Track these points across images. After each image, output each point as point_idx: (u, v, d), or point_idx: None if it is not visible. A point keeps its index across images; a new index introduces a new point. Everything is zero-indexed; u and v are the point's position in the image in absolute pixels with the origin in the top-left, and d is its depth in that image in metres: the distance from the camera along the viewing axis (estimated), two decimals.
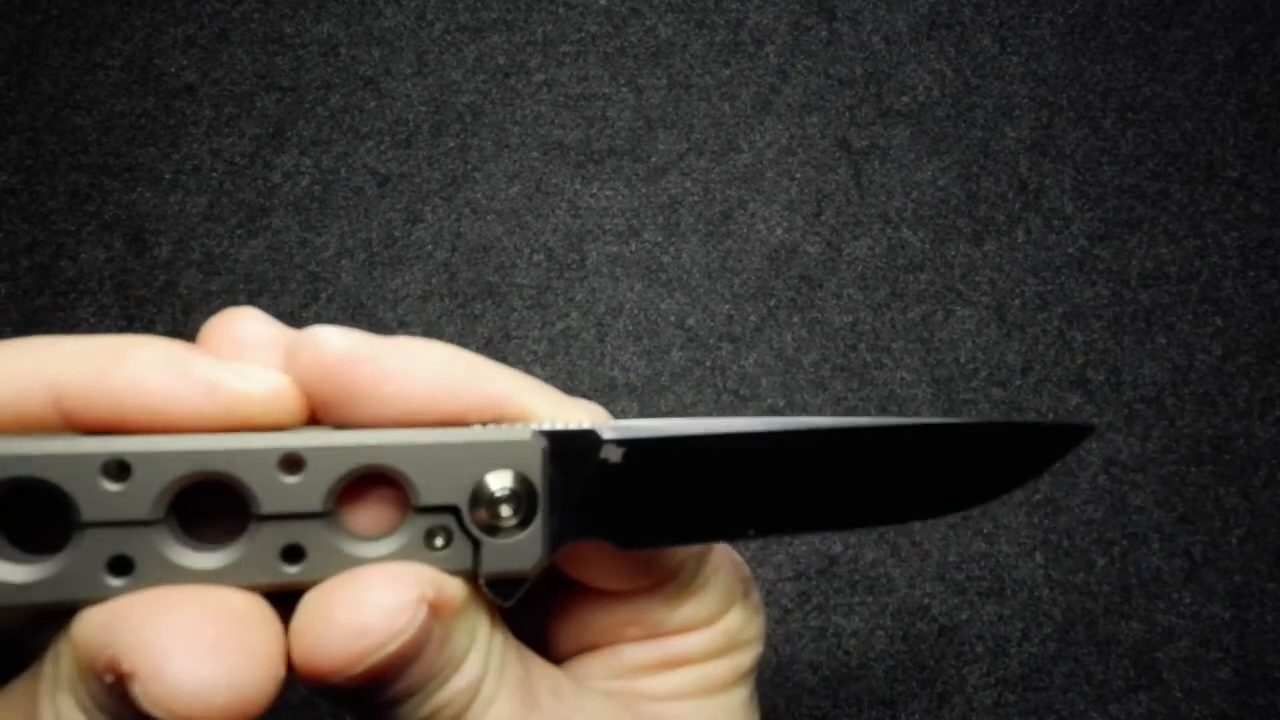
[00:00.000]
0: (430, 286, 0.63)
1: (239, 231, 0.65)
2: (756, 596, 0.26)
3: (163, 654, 0.18)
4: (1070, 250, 0.65)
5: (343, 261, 0.64)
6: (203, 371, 0.19)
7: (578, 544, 0.22)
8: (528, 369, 0.61)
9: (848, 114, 0.68)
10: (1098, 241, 0.65)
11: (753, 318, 0.63)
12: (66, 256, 0.64)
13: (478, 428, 0.20)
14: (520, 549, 0.20)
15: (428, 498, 0.20)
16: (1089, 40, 0.71)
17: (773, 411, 0.61)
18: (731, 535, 0.23)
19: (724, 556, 0.25)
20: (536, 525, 0.20)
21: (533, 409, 0.21)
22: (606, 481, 0.21)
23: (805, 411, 0.61)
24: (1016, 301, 0.64)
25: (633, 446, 0.21)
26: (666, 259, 0.64)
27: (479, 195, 0.66)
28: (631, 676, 0.24)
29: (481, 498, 0.20)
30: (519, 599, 0.21)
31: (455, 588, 0.20)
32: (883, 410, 0.61)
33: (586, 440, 0.21)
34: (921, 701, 0.56)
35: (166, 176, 0.66)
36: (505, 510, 0.20)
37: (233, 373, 0.20)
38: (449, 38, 0.70)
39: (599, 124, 0.68)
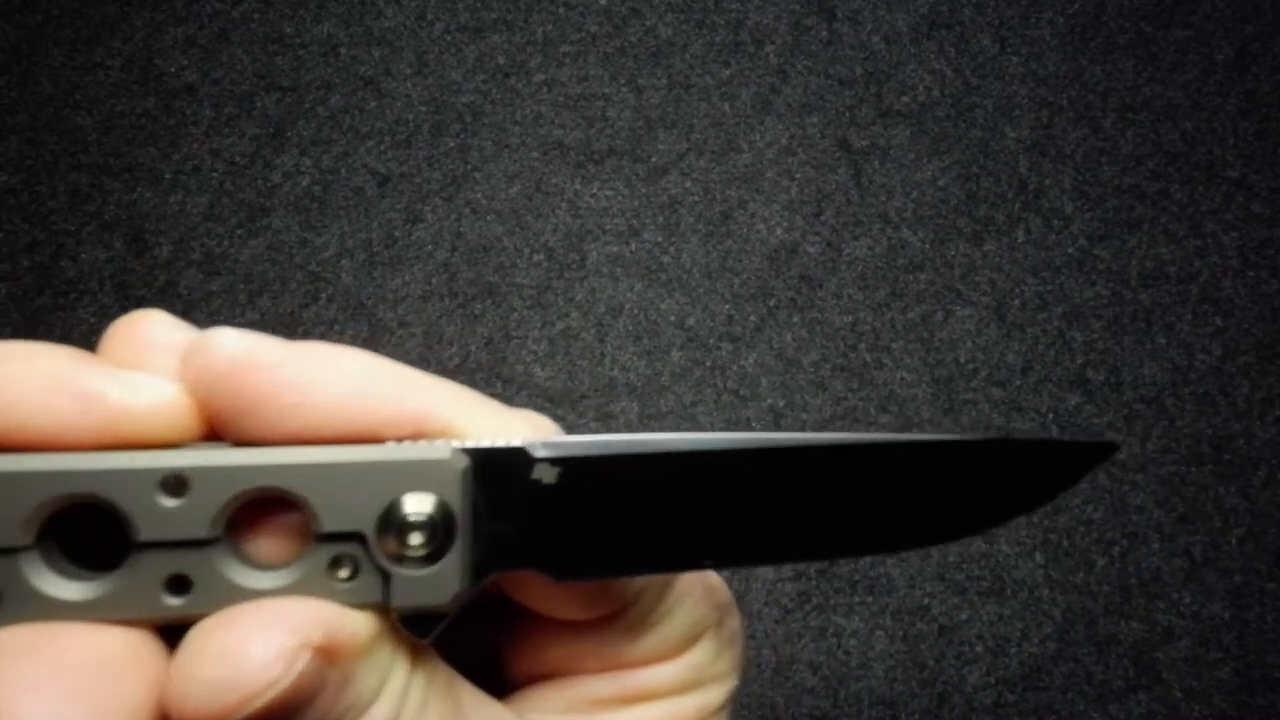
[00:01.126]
0: (430, 286, 0.63)
1: (239, 231, 0.65)
2: (734, 624, 0.24)
3: (6, 710, 0.15)
4: (1070, 250, 0.65)
5: (343, 261, 0.64)
6: (85, 383, 0.17)
7: (510, 574, 0.19)
8: (528, 369, 0.61)
9: (848, 114, 0.68)
10: (1098, 241, 0.65)
11: (753, 318, 0.63)
12: (66, 256, 0.64)
13: (391, 445, 0.18)
14: (435, 581, 0.18)
15: (329, 524, 0.17)
16: (1089, 40, 0.71)
17: (773, 411, 0.61)
18: (685, 565, 0.21)
19: (694, 581, 0.23)
20: (455, 555, 0.18)
21: (460, 424, 0.19)
22: (539, 505, 0.19)
23: (805, 411, 0.61)
24: (1016, 301, 0.64)
25: (569, 465, 0.19)
26: (666, 259, 0.64)
27: (479, 195, 0.66)
28: (589, 711, 0.22)
29: (390, 524, 0.18)
30: (441, 633, 0.19)
31: (358, 625, 0.18)
32: (882, 410, 0.61)
33: (516, 458, 0.19)
34: (921, 701, 0.56)
35: (167, 176, 0.66)
36: (415, 538, 0.18)
37: (119, 383, 0.17)
38: (449, 38, 0.70)
39: (599, 124, 0.68)
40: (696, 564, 0.20)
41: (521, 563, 0.19)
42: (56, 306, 0.63)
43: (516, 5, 0.71)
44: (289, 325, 0.62)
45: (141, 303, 0.63)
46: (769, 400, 0.61)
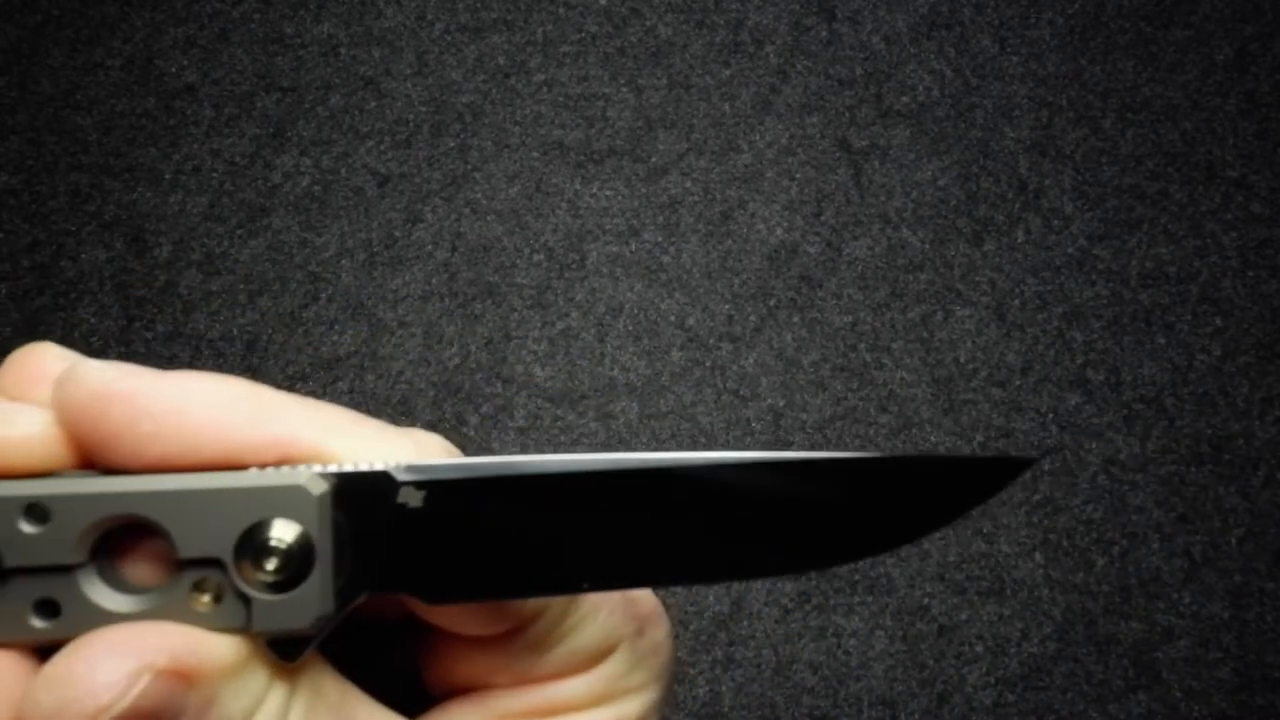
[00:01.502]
0: (430, 286, 0.63)
1: (239, 231, 0.65)
2: (656, 635, 0.23)
3: None
4: (1070, 250, 0.65)
5: (343, 261, 0.64)
6: None
7: (383, 596, 0.20)
8: (528, 369, 0.61)
9: (848, 114, 0.68)
10: (1098, 241, 0.65)
11: (753, 318, 0.63)
12: (67, 256, 0.64)
13: (252, 471, 0.19)
14: (296, 606, 0.18)
15: (188, 550, 0.18)
16: (1089, 40, 0.71)
17: (773, 411, 0.61)
18: (560, 589, 0.20)
19: (605, 594, 0.22)
20: (315, 579, 0.18)
21: (326, 448, 0.19)
22: (405, 528, 0.19)
23: (805, 411, 0.61)
24: (1016, 301, 0.64)
25: (435, 489, 0.19)
26: (666, 259, 0.64)
27: (479, 195, 0.66)
28: None
29: (246, 550, 0.18)
30: (350, 650, 0.19)
31: (217, 648, 0.18)
32: (882, 410, 0.61)
33: (380, 482, 0.19)
34: (921, 701, 0.56)
35: (167, 177, 0.66)
36: (272, 564, 0.18)
37: None
38: (449, 38, 0.70)
39: (599, 124, 0.68)
40: (573, 587, 0.20)
41: (391, 586, 0.19)
42: (56, 306, 0.63)
43: (516, 5, 0.71)
44: (289, 325, 0.62)
45: (141, 303, 0.63)
46: (769, 400, 0.61)
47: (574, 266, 0.64)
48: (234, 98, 0.68)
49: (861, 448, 0.61)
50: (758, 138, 0.67)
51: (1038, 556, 0.58)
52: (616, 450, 0.60)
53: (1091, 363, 0.63)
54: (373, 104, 0.68)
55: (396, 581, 0.20)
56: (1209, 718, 0.56)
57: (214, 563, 0.18)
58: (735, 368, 0.62)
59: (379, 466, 0.19)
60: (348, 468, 0.19)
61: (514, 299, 0.63)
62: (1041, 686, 0.56)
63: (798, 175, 0.67)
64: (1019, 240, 0.65)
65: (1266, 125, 0.69)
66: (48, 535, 0.18)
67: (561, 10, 0.71)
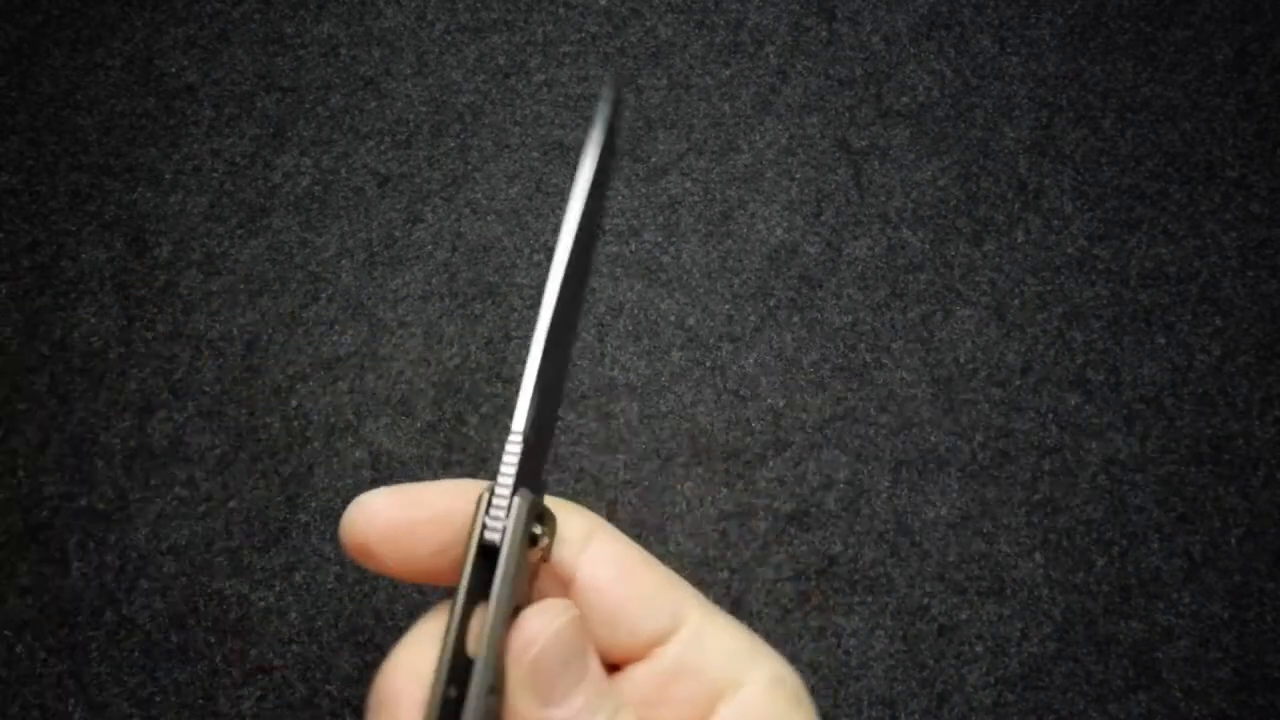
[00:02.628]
0: (430, 286, 0.63)
1: (239, 231, 0.65)
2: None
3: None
4: (1070, 250, 0.65)
5: (343, 261, 0.64)
6: None
7: None
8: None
9: (848, 114, 0.68)
10: (1097, 241, 0.65)
11: (753, 318, 0.63)
12: (67, 256, 0.64)
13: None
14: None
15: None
16: (1089, 40, 0.71)
17: (773, 411, 0.61)
18: None
19: None
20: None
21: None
22: None
23: (805, 411, 0.61)
24: (1016, 301, 0.64)
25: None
26: (666, 259, 0.64)
27: (479, 195, 0.66)
28: None
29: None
30: None
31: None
32: (882, 410, 0.61)
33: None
34: (921, 701, 0.56)
35: (167, 176, 0.66)
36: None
37: None
38: (449, 38, 0.70)
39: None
40: None
41: None
42: (57, 306, 0.63)
43: (516, 5, 0.71)
44: (289, 325, 0.63)
45: (141, 303, 0.63)
46: (769, 400, 0.61)
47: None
48: (234, 98, 0.68)
49: (861, 447, 0.61)
50: (758, 138, 0.68)
51: (1038, 556, 0.58)
52: (617, 450, 0.61)
53: (1091, 363, 0.63)
54: (373, 104, 0.68)
55: None
56: (1209, 718, 0.56)
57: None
58: (735, 368, 0.62)
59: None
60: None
61: (514, 299, 0.63)
62: (1041, 686, 0.56)
63: (798, 175, 0.67)
64: (1019, 240, 0.65)
65: (1266, 125, 0.69)
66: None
67: (561, 10, 0.71)
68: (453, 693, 0.23)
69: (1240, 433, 0.61)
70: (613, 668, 0.27)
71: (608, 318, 0.63)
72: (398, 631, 0.57)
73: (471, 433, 0.60)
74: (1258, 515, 0.60)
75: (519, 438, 0.25)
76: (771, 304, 0.63)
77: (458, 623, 0.24)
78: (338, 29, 0.70)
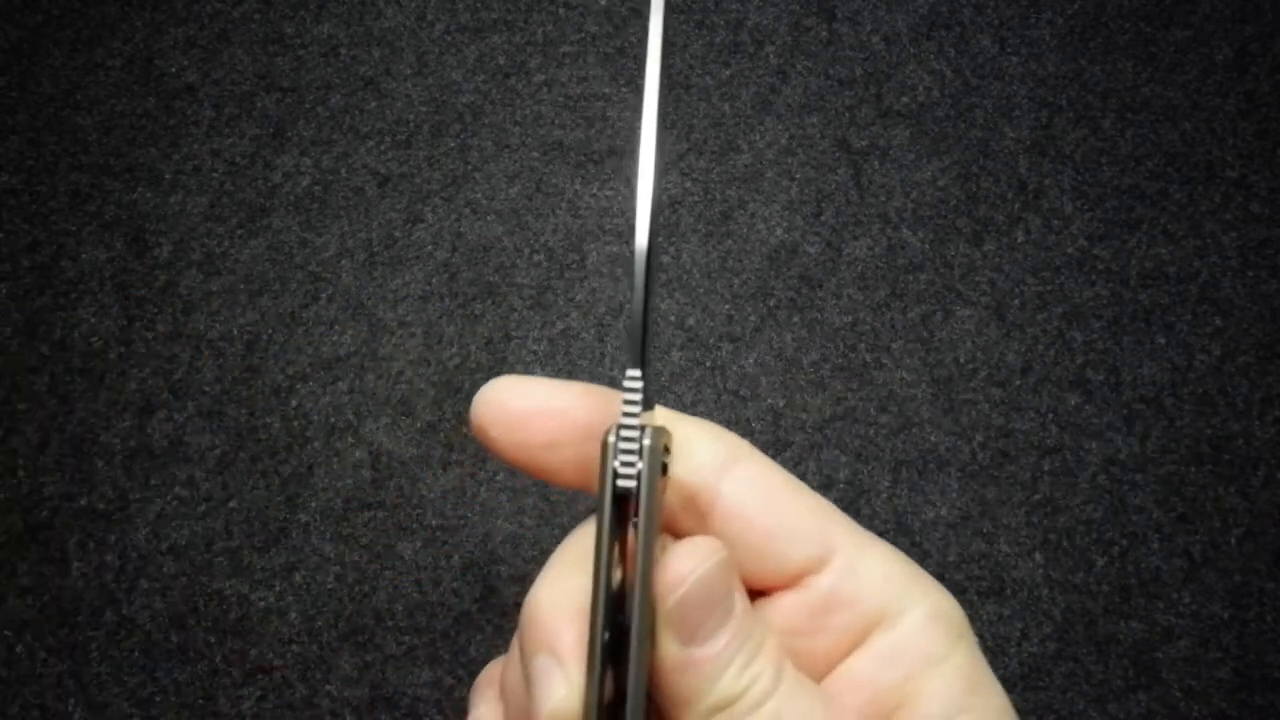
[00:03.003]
0: (430, 286, 0.63)
1: (239, 231, 0.65)
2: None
3: None
4: (1070, 250, 0.65)
5: (343, 261, 0.64)
6: None
7: None
8: (528, 369, 0.61)
9: (848, 114, 0.68)
10: (1097, 241, 0.65)
11: (753, 318, 0.63)
12: (67, 256, 0.64)
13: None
14: None
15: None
16: (1088, 40, 0.71)
17: (773, 411, 0.61)
18: None
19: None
20: None
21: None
22: None
23: (805, 411, 0.61)
24: (1016, 301, 0.64)
25: None
26: (666, 259, 0.64)
27: (479, 195, 0.66)
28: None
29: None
30: None
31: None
32: (882, 410, 0.61)
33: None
34: None
35: (167, 176, 0.66)
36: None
37: None
38: (449, 38, 0.70)
39: (599, 124, 0.68)
40: None
41: None
42: (56, 306, 0.63)
43: (516, 5, 0.71)
44: (289, 325, 0.63)
45: (141, 303, 0.63)
46: (769, 400, 0.61)
47: (574, 266, 0.64)
48: (234, 98, 0.68)
49: (861, 447, 0.61)
50: (758, 138, 0.68)
51: (1038, 556, 0.58)
52: None
53: (1091, 363, 0.63)
54: (373, 104, 0.68)
55: None
56: (1209, 718, 0.56)
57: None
58: (735, 368, 0.62)
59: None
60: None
61: (514, 299, 0.63)
62: (1041, 686, 0.56)
63: (798, 175, 0.67)
64: (1019, 240, 0.65)
65: (1266, 125, 0.69)
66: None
67: (561, 10, 0.71)
68: (605, 636, 0.24)
69: (1240, 433, 0.61)
70: (760, 593, 0.27)
71: (608, 318, 0.63)
72: (398, 631, 0.57)
73: (471, 433, 0.60)
74: (1258, 515, 0.60)
75: (638, 376, 0.24)
76: (771, 304, 0.63)
77: (605, 567, 0.24)
78: (338, 29, 0.70)
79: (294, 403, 0.60)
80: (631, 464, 0.24)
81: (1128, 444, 0.61)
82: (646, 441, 0.24)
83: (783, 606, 0.27)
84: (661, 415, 0.27)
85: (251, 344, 0.62)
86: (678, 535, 0.27)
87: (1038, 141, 0.68)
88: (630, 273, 0.64)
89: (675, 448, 0.26)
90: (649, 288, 0.24)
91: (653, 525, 0.24)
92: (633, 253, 0.24)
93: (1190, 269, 0.65)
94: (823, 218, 0.66)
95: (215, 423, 0.60)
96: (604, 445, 0.24)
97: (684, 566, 0.24)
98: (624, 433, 0.24)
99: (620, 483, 0.24)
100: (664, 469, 0.25)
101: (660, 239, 0.65)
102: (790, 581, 0.26)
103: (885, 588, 0.27)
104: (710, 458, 0.26)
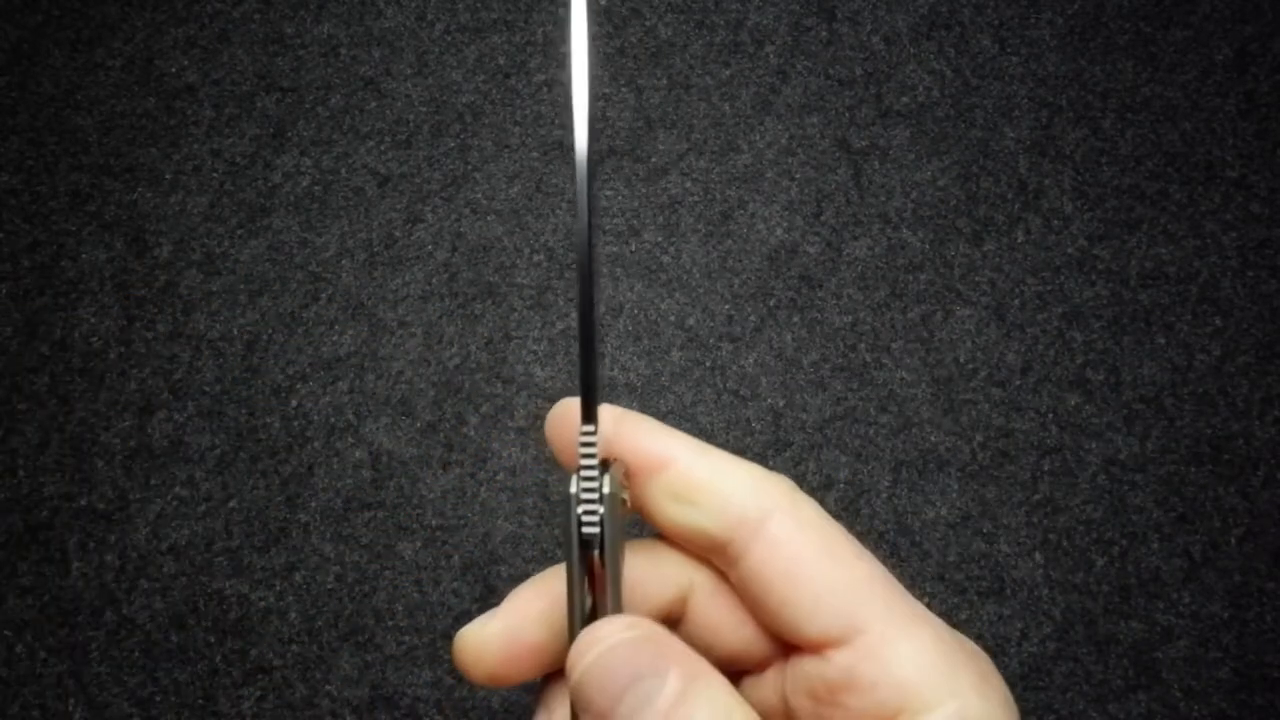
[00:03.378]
0: (430, 286, 0.63)
1: (239, 231, 0.65)
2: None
3: None
4: (1070, 250, 0.65)
5: (343, 261, 0.64)
6: None
7: None
8: (528, 369, 0.61)
9: (848, 114, 0.68)
10: (1097, 241, 0.65)
11: (753, 318, 0.63)
12: (67, 256, 0.64)
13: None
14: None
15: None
16: (1089, 40, 0.71)
17: (772, 411, 0.61)
18: None
19: None
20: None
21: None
22: None
23: (805, 411, 0.61)
24: (1016, 301, 0.64)
25: None
26: (666, 259, 0.64)
27: (479, 195, 0.66)
28: None
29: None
30: None
31: None
32: (882, 410, 0.61)
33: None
34: None
35: (167, 177, 0.66)
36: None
37: None
38: (449, 38, 0.70)
39: (599, 124, 0.68)
40: None
41: None
42: (56, 306, 0.63)
43: (516, 5, 0.71)
44: (289, 325, 0.62)
45: (141, 303, 0.63)
46: (769, 400, 0.61)
47: (574, 266, 0.64)
48: (234, 98, 0.68)
49: (861, 447, 0.61)
50: (758, 138, 0.68)
51: (1038, 556, 0.58)
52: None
53: (1091, 363, 0.63)
54: (373, 104, 0.68)
55: None
56: (1209, 718, 0.56)
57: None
58: (735, 368, 0.62)
59: None
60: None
61: (514, 299, 0.63)
62: (1041, 686, 0.56)
63: (798, 175, 0.67)
64: (1019, 240, 0.65)
65: (1266, 125, 0.69)
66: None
67: (561, 10, 0.71)
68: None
69: (1240, 433, 0.61)
70: (793, 647, 0.26)
71: (608, 318, 0.63)
72: (398, 631, 0.57)
73: (471, 433, 0.60)
74: (1258, 515, 0.60)
75: (591, 431, 0.25)
76: (771, 304, 0.63)
77: (580, 606, 0.25)
78: (338, 29, 0.70)
79: (294, 403, 0.60)
80: (594, 513, 0.25)
81: (1128, 444, 0.61)
82: (606, 488, 0.25)
83: (804, 670, 0.26)
84: (710, 454, 0.28)
85: (251, 344, 0.62)
86: (714, 570, 0.27)
87: (1038, 141, 0.68)
88: (629, 274, 0.64)
89: (710, 489, 0.27)
90: (589, 358, 0.25)
91: (618, 569, 0.25)
92: (577, 320, 0.26)
93: (1190, 269, 0.65)
94: (823, 218, 0.66)
95: (215, 423, 0.60)
96: (567, 497, 0.26)
97: (580, 648, 0.23)
98: (584, 484, 0.25)
99: (585, 530, 0.25)
100: (624, 503, 0.26)
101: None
102: (812, 649, 0.26)
103: (913, 678, 0.24)
104: (742, 510, 0.26)
